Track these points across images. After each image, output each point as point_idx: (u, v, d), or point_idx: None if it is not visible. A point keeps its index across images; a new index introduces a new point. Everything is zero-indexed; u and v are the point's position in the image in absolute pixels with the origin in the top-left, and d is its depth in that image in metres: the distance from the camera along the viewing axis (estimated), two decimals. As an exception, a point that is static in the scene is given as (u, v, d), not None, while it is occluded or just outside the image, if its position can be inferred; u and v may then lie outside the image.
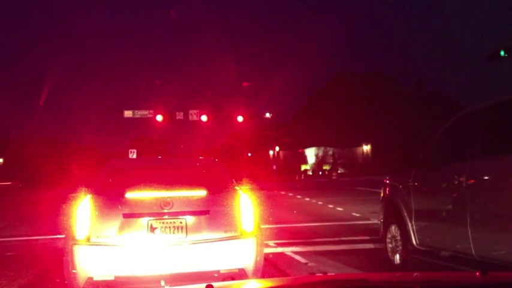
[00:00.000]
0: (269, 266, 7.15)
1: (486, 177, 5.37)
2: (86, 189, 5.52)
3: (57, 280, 6.19)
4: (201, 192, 5.52)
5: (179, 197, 5.35)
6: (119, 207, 5.20)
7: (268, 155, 71.98)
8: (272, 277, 6.21)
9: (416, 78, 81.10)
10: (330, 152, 75.15)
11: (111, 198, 5.36)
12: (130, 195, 5.37)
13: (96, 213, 5.16)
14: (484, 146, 5.47)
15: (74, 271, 5.00)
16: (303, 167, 76.14)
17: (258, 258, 5.30)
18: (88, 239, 5.05)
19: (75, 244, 5.06)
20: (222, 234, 5.20)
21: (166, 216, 5.15)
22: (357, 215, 14.51)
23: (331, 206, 17.77)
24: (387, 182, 7.69)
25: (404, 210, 6.81)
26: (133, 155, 29.18)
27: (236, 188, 5.72)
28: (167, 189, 5.44)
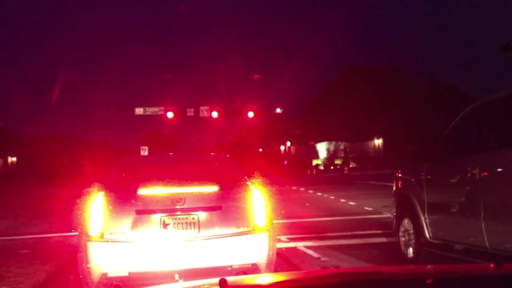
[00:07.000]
0: (282, 261, 7.15)
1: (499, 170, 5.33)
2: (99, 185, 5.55)
3: (72, 277, 6.25)
4: (213, 188, 5.54)
5: (191, 193, 5.37)
6: (132, 203, 5.23)
7: (280, 150, 72.01)
8: (285, 272, 6.22)
9: (428, 70, 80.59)
10: (342, 147, 74.90)
11: (123, 194, 5.39)
12: (143, 191, 5.40)
13: (109, 209, 5.20)
14: (497, 138, 5.43)
15: (88, 267, 5.04)
16: (315, 162, 76.01)
17: (271, 253, 5.31)
18: (101, 236, 5.09)
19: (88, 241, 5.10)
20: (235, 230, 5.22)
21: (178, 212, 5.17)
22: (369, 209, 14.47)
23: (343, 200, 17.75)
24: (399, 175, 7.66)
25: (417, 204, 6.78)
26: (144, 152, 29.25)
27: (248, 183, 5.73)
28: (179, 185, 5.47)
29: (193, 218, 5.18)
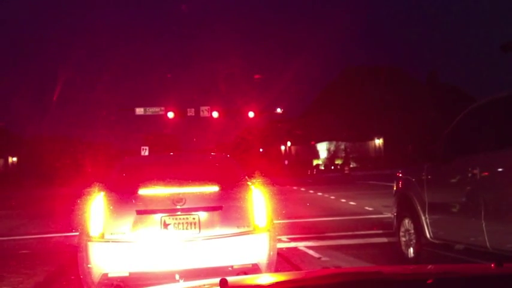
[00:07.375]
0: (282, 261, 7.15)
1: (500, 169, 5.33)
2: (100, 185, 5.55)
3: (72, 277, 6.25)
4: (214, 188, 5.54)
5: (192, 193, 5.37)
6: (132, 203, 5.23)
7: (280, 150, 72.02)
8: (285, 272, 6.21)
9: (428, 70, 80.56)
10: (342, 147, 74.83)
11: (124, 195, 5.39)
12: (144, 191, 5.40)
13: (110, 209, 5.20)
14: (498, 138, 5.43)
15: (88, 268, 5.04)
16: (315, 162, 75.95)
17: (271, 253, 5.31)
18: (102, 236, 5.09)
19: (89, 241, 5.10)
20: (235, 230, 5.21)
21: (179, 213, 5.17)
22: (370, 209, 14.46)
23: (343, 200, 17.74)
24: (400, 175, 7.66)
25: (417, 204, 6.78)
26: (145, 152, 29.28)
27: (248, 183, 5.73)
28: (180, 185, 5.47)
29: (193, 218, 5.18)
